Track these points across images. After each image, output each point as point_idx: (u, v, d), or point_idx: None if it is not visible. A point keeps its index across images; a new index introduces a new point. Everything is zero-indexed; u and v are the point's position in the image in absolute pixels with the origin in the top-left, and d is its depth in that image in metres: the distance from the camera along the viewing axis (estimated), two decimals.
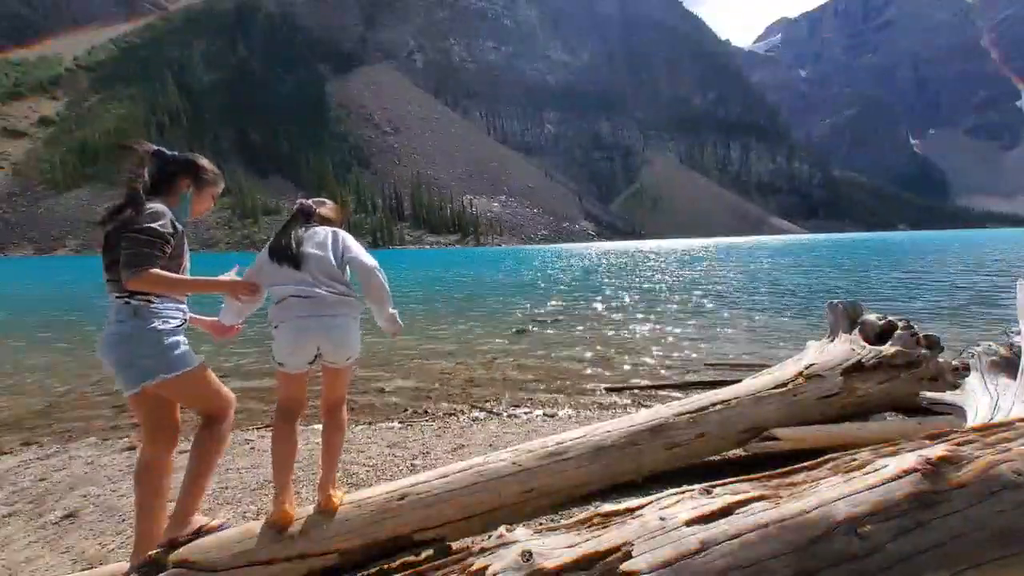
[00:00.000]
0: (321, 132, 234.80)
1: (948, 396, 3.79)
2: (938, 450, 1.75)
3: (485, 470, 2.71)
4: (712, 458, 3.67)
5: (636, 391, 6.38)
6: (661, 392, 6.29)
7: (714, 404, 3.54)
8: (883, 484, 1.67)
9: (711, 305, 14.35)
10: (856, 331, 4.10)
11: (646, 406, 4.93)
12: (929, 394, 3.85)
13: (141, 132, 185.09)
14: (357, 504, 2.46)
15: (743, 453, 3.63)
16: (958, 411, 3.59)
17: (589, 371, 7.50)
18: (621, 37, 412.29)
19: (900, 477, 1.67)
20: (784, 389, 3.69)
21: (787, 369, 3.94)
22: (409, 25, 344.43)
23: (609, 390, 6.48)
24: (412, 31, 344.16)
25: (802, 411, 3.65)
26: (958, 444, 1.79)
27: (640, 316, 12.79)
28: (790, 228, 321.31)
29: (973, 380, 3.59)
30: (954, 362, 4.04)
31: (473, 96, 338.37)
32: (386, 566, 2.47)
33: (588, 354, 8.62)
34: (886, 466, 1.74)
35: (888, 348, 3.84)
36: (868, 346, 3.91)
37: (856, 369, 3.78)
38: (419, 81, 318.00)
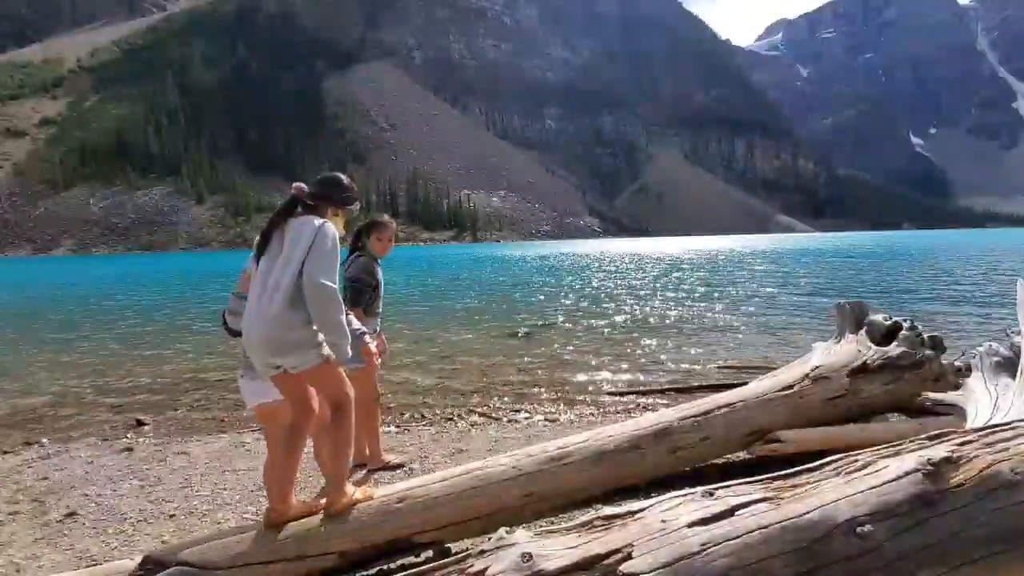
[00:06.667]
0: (318, 129, 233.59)
1: (949, 397, 3.79)
2: (938, 450, 1.75)
3: (485, 474, 2.70)
4: (716, 461, 3.66)
5: (640, 395, 6.30)
6: (666, 396, 6.19)
7: (719, 407, 3.52)
8: (884, 484, 1.67)
9: (718, 307, 14.21)
10: (863, 332, 4.08)
11: (650, 410, 4.92)
12: (931, 395, 3.84)
13: (140, 132, 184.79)
14: (355, 507, 2.46)
15: (748, 456, 3.63)
16: (959, 411, 3.58)
17: (591, 375, 7.37)
18: (621, 36, 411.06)
19: (901, 477, 1.68)
20: (790, 392, 3.68)
21: (793, 371, 3.92)
22: (409, 24, 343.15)
23: (612, 394, 6.38)
24: (412, 30, 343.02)
25: (808, 413, 3.64)
26: (958, 444, 1.79)
27: (645, 318, 12.62)
28: (797, 226, 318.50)
29: (974, 380, 3.58)
30: (957, 363, 4.03)
31: (472, 93, 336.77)
32: (385, 567, 2.47)
33: (590, 358, 8.43)
34: (887, 467, 1.73)
35: (893, 349, 3.82)
36: (874, 347, 3.89)
37: (862, 371, 3.76)
38: (418, 79, 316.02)
